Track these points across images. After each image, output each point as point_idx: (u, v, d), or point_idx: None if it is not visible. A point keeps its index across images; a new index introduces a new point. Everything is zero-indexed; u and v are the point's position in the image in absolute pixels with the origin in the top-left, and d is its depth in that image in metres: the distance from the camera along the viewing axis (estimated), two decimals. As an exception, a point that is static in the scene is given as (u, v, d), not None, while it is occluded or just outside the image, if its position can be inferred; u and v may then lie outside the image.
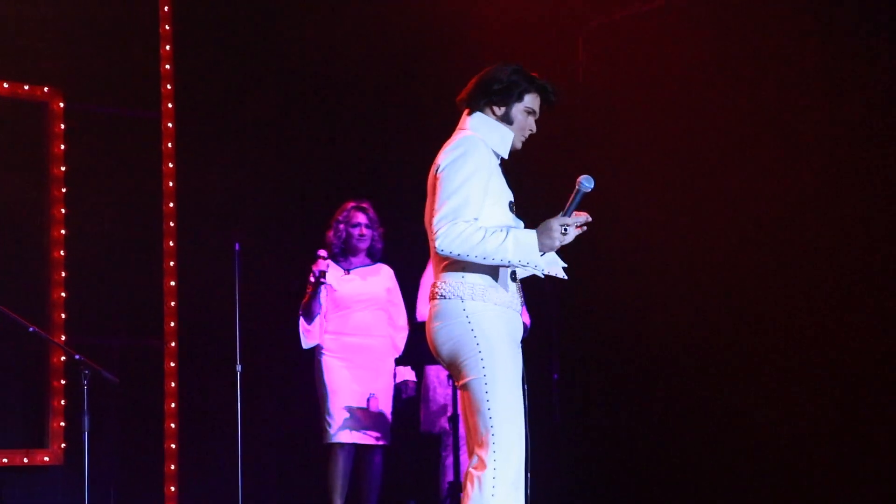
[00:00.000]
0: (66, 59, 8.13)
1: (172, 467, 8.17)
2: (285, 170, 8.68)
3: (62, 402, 7.88)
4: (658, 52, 7.85)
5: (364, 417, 7.03)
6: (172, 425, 8.20)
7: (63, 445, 7.85)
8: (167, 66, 8.45)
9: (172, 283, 8.33)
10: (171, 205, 8.38)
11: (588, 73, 8.20)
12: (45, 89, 8.07)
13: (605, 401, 8.05)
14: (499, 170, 4.59)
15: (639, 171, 7.90)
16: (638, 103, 7.90)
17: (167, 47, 8.47)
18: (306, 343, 7.11)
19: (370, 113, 8.77)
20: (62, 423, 7.87)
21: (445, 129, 4.68)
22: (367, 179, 8.47)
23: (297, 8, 8.82)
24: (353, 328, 7.13)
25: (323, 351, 7.13)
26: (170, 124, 8.42)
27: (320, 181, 8.59)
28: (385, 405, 7.12)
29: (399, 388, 7.28)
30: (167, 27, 8.46)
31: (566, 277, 4.70)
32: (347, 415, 7.00)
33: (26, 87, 8.03)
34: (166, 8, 8.47)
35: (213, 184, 8.47)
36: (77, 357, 6.84)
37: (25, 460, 7.79)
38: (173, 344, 8.28)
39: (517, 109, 4.62)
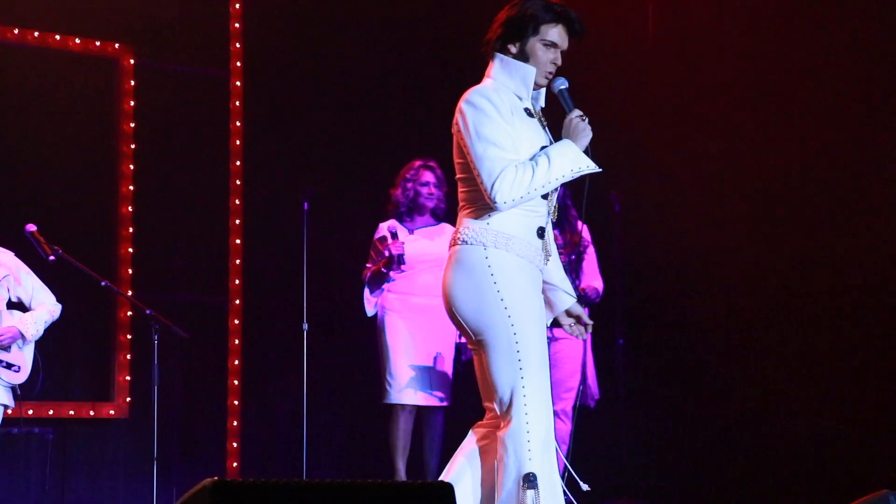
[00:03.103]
0: (136, 15, 8.13)
1: (235, 423, 8.22)
2: (352, 128, 8.66)
3: (128, 357, 7.94)
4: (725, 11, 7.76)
5: (426, 378, 7.03)
6: (236, 382, 8.25)
7: (128, 399, 7.91)
8: (236, 25, 8.46)
9: (238, 242, 8.36)
10: (238, 163, 8.41)
11: (657, 37, 8.12)
12: (116, 46, 8.11)
13: (673, 371, 7.93)
14: (525, 114, 4.34)
15: (718, 134, 7.82)
16: (705, 64, 7.80)
17: (237, 6, 8.46)
18: (370, 311, 7.09)
19: (436, 71, 8.69)
20: (128, 378, 7.92)
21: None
22: (433, 139, 8.39)
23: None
24: (419, 289, 7.08)
25: (387, 310, 7.10)
26: (238, 83, 8.43)
27: (387, 140, 8.55)
28: (447, 366, 7.12)
29: (459, 349, 7.27)
30: (237, -15, 8.47)
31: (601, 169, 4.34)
32: (410, 375, 6.98)
33: (97, 44, 8.06)
34: (237, -34, 8.47)
35: (280, 142, 8.48)
36: (148, 312, 6.88)
37: (91, 413, 7.86)
38: (238, 301, 8.31)
39: (533, 44, 4.34)
